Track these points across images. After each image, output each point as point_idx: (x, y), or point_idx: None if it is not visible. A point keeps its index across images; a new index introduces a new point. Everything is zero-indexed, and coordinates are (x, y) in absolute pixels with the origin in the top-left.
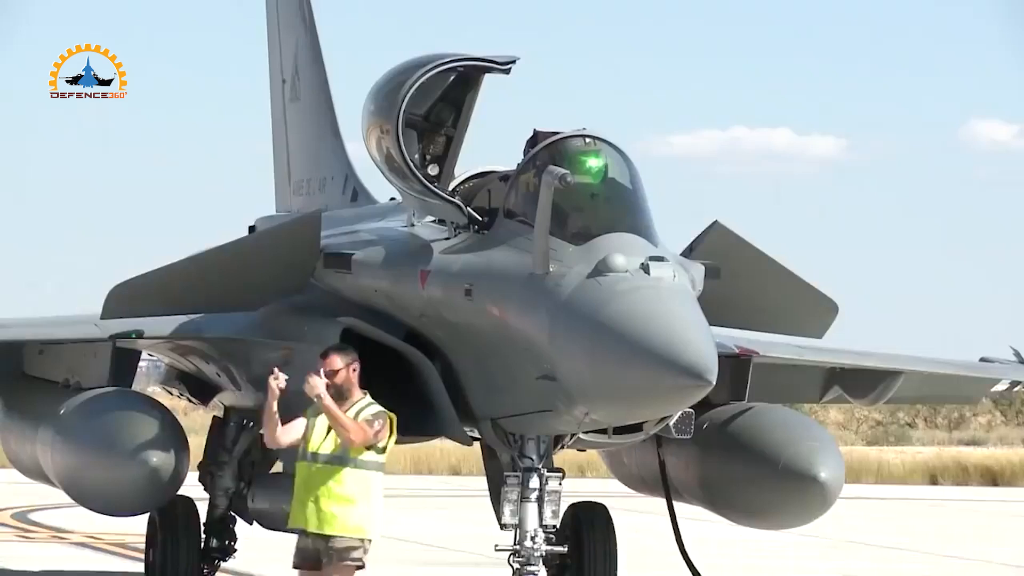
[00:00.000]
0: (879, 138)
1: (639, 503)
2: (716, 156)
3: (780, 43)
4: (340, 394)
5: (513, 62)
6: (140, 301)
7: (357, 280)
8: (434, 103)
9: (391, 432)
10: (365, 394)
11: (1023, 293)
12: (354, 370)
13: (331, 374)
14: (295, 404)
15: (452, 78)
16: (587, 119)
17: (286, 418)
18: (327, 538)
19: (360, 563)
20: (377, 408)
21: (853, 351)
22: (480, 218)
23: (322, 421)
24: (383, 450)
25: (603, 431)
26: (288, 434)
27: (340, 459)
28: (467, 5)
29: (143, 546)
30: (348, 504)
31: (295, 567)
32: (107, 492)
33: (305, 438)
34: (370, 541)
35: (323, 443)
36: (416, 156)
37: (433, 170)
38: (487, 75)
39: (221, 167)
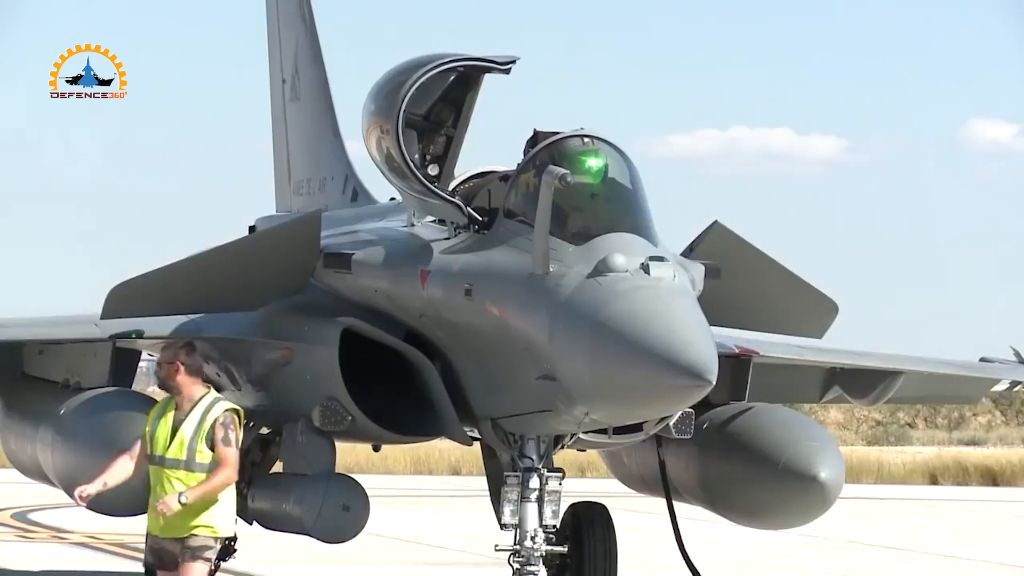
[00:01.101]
0: (879, 138)
1: (639, 503)
2: (715, 156)
3: (780, 43)
4: (165, 387)
5: (513, 62)
6: (140, 301)
7: (357, 280)
8: (434, 103)
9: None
10: (208, 389)
11: (1023, 293)
12: (176, 369)
13: (157, 366)
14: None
15: (452, 78)
16: (587, 119)
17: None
18: (181, 538)
19: (211, 561)
20: (224, 406)
21: (853, 351)
22: (480, 218)
23: (165, 423)
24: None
25: (603, 431)
26: (117, 474)
27: (185, 463)
28: (467, 5)
29: (143, 546)
30: (194, 506)
31: (146, 566)
32: (107, 492)
33: (150, 441)
34: (223, 538)
35: (167, 446)
36: (416, 156)
37: (433, 170)
38: (487, 75)
39: (221, 167)
